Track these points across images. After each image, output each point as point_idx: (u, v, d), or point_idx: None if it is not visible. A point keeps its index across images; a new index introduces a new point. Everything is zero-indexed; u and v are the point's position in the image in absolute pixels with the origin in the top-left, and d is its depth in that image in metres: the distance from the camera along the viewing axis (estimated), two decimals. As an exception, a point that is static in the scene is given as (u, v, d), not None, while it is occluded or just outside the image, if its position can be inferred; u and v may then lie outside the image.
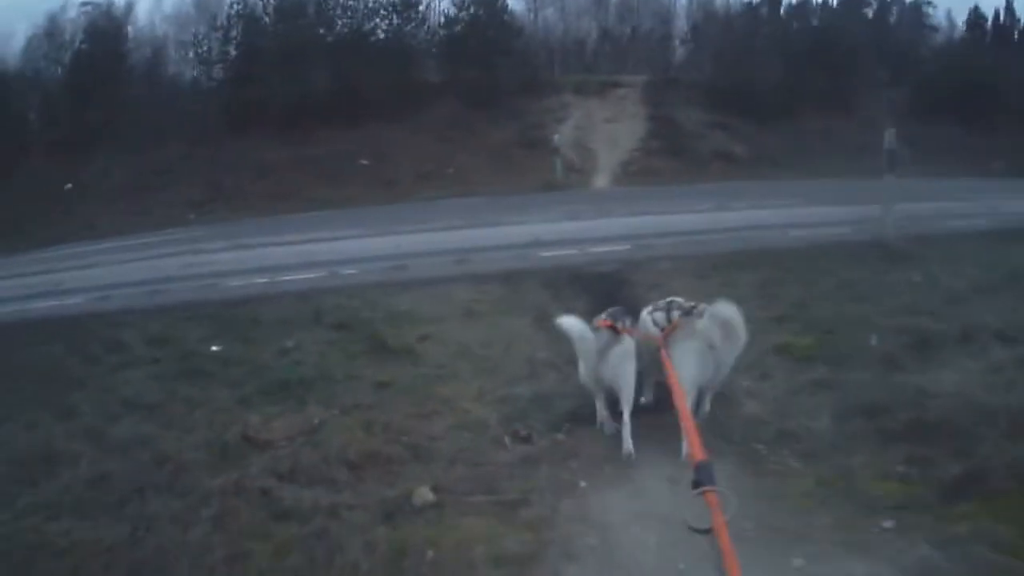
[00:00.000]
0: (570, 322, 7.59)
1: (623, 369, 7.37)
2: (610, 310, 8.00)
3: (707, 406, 7.76)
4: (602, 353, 7.34)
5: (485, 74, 33.77)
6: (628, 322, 7.81)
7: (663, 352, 7.09)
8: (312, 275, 14.93)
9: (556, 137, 28.32)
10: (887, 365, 8.97)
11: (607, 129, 32.06)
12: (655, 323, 7.75)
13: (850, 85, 35.43)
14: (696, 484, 3.89)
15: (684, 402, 5.61)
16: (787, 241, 15.91)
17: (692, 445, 4.49)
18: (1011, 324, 9.82)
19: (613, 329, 7.47)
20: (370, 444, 7.41)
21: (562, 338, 7.98)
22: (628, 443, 7.22)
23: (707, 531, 3.64)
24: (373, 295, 12.84)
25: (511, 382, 9.01)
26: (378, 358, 9.96)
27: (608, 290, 11.95)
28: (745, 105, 32.35)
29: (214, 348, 10.65)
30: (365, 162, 28.85)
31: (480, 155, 29.60)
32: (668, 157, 29.69)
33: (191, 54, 36.36)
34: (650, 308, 8.05)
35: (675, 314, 7.65)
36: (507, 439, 7.70)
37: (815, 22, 41.95)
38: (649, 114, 33.04)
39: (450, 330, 11.01)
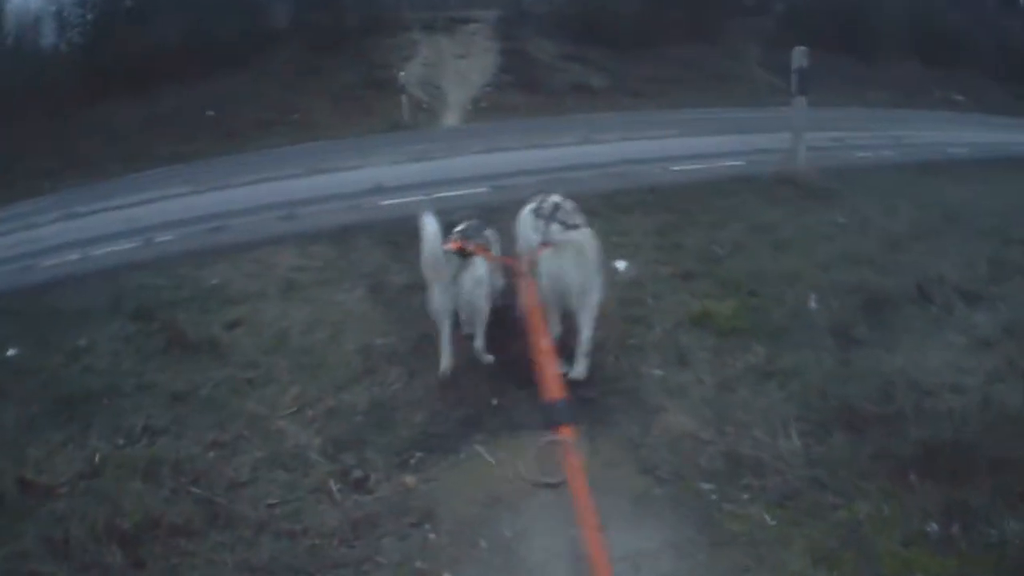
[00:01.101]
0: (430, 229, 6.38)
1: (475, 295, 6.62)
2: (463, 225, 7.15)
3: (587, 332, 6.45)
4: (453, 278, 6.54)
5: (331, 15, 31.86)
6: (488, 238, 7.18)
7: (522, 279, 6.42)
8: (126, 246, 12.70)
9: (401, 75, 26.34)
10: (842, 339, 6.91)
11: (457, 66, 30.30)
12: (535, 230, 6.84)
13: (712, 13, 34.06)
14: (550, 425, 3.70)
15: (542, 334, 5.05)
16: (672, 177, 13.91)
17: (548, 381, 4.04)
18: (969, 277, 8.32)
19: (462, 252, 6.60)
20: (152, 501, 5.17)
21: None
22: (486, 356, 6.74)
23: (558, 485, 3.61)
24: (183, 268, 10.61)
25: (340, 385, 6.73)
26: (177, 357, 7.60)
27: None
28: (602, 36, 31.00)
29: (10, 352, 8.44)
30: (211, 114, 26.80)
31: (325, 99, 27.70)
32: (523, 92, 28.14)
33: (55, 24, 33.39)
34: (534, 205, 7.09)
35: (554, 228, 6.63)
36: (334, 485, 5.36)
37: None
38: (501, 48, 31.36)
39: (266, 311, 8.56)
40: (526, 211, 7.10)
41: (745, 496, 4.82)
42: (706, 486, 4.95)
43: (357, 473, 5.41)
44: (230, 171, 18.68)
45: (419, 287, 7.33)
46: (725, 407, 5.81)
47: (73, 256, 12.48)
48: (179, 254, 11.37)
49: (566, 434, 3.63)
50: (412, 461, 5.55)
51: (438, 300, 6.58)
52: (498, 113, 25.76)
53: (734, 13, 35.00)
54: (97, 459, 5.76)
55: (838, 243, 9.66)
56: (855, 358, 6.44)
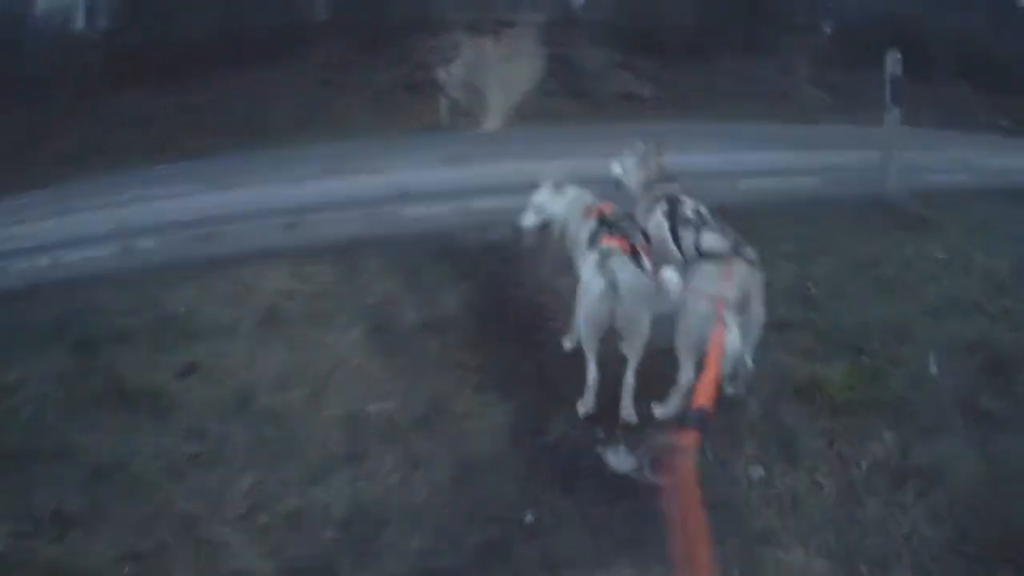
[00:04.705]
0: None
1: (638, 311, 4.99)
2: (613, 215, 5.68)
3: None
4: (611, 286, 4.92)
5: (372, 12, 29.56)
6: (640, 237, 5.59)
7: (721, 320, 4.58)
8: (102, 252, 10.66)
9: (441, 73, 25.43)
10: (972, 416, 5.24)
11: (501, 69, 28.42)
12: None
13: (763, 27, 31.77)
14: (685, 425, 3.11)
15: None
16: (743, 196, 11.75)
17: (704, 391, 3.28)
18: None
19: (633, 252, 5.21)
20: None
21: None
22: (628, 409, 5.08)
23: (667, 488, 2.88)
24: (153, 286, 8.46)
25: (311, 475, 4.88)
26: (111, 410, 5.82)
27: (500, 272, 7.90)
28: (652, 45, 29.18)
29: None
30: (241, 108, 24.96)
31: (362, 98, 26.11)
32: (568, 98, 26.77)
33: (84, 7, 30.98)
34: (667, 207, 5.80)
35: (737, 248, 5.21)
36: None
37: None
38: (548, 54, 29.44)
39: (232, 354, 6.55)
40: (659, 213, 5.76)
41: None
42: None
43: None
44: (249, 168, 17.37)
45: (435, 328, 6.20)
46: (854, 531, 4.19)
47: (44, 261, 10.60)
48: (155, 266, 9.44)
49: (689, 440, 2.90)
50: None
51: (590, 310, 5.05)
52: (543, 119, 24.33)
53: (785, 29, 32.78)
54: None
55: (944, 285, 7.94)
56: (998, 449, 4.83)
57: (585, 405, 5.19)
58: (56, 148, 22.47)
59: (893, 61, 11.38)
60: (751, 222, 9.46)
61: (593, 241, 5.35)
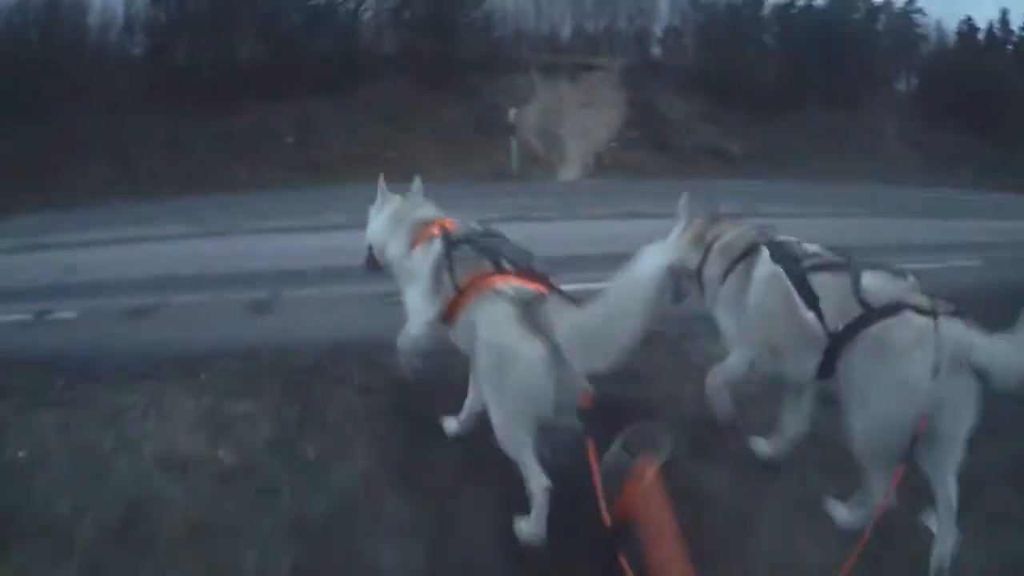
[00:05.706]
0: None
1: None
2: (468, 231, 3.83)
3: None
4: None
5: (440, 46, 28.93)
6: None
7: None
8: (15, 317, 7.54)
9: (512, 112, 23.78)
10: None
11: (579, 116, 27.31)
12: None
13: (849, 81, 31.32)
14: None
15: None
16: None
17: None
18: None
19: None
20: None
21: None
22: None
23: None
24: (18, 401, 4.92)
25: None
26: None
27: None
28: (736, 97, 28.07)
29: None
30: (290, 140, 24.72)
31: (428, 138, 25.12)
32: (650, 150, 25.65)
33: (121, 21, 30.31)
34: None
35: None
36: None
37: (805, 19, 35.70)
38: (628, 100, 28.51)
39: None
40: (765, 261, 3.71)
41: None
42: None
43: None
44: (277, 209, 15.24)
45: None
46: None
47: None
48: (52, 350, 6.15)
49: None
50: None
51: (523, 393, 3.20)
52: (623, 172, 23.15)
53: (869, 83, 32.60)
54: None
55: None
56: None
57: (533, 529, 3.29)
58: (90, 172, 21.93)
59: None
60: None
61: (439, 278, 3.67)
